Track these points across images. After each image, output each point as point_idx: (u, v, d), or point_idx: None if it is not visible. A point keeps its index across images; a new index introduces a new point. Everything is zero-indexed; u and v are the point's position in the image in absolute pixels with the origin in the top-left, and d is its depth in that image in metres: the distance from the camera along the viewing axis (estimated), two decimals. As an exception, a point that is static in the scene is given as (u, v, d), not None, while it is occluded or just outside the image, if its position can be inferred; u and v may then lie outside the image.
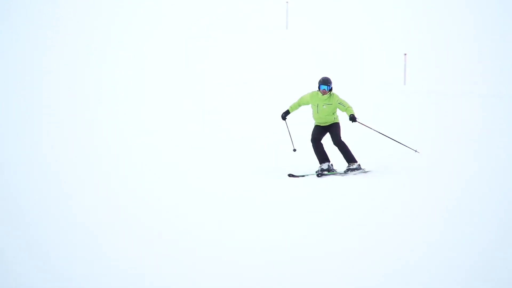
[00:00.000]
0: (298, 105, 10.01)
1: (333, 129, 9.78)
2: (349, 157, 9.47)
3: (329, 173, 9.24)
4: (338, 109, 9.82)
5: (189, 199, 6.32)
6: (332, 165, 9.42)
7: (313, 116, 9.90)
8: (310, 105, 9.96)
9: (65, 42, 17.10)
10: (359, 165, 9.33)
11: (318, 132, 9.78)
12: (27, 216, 5.53)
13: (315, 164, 9.43)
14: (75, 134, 10.19)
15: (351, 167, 9.39)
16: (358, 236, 4.95)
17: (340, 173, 9.23)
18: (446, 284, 4.08)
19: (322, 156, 9.59)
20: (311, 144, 9.60)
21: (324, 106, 9.76)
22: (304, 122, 10.46)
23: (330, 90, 9.86)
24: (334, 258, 4.50)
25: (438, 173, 7.91)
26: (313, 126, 9.89)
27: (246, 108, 12.48)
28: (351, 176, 9.05)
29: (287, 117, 9.87)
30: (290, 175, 9.03)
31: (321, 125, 9.87)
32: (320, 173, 9.20)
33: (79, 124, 10.96)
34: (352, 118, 9.48)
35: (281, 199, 6.51)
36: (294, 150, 9.80)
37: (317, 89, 9.88)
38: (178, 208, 5.93)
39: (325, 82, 9.83)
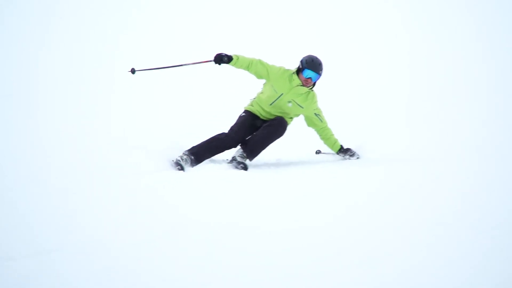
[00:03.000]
0: (247, 66, 6.66)
1: (277, 121, 6.63)
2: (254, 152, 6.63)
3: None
4: (305, 121, 6.97)
5: (191, 196, 6.24)
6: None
7: (258, 100, 6.84)
8: (264, 82, 6.85)
9: (62, 41, 17.06)
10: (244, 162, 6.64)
11: (247, 127, 6.77)
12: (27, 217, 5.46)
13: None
14: (74, 134, 10.14)
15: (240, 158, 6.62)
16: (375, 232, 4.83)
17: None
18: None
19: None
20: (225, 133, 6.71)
21: (290, 104, 6.71)
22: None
23: (314, 84, 6.76)
24: (337, 258, 4.42)
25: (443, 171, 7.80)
26: (242, 111, 6.92)
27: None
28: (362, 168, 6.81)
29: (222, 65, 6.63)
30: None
31: (261, 117, 6.87)
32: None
33: (77, 123, 10.91)
34: (351, 152, 7.03)
35: (284, 194, 6.37)
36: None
37: (295, 70, 6.73)
38: (179, 207, 5.86)
39: (316, 67, 6.62)
